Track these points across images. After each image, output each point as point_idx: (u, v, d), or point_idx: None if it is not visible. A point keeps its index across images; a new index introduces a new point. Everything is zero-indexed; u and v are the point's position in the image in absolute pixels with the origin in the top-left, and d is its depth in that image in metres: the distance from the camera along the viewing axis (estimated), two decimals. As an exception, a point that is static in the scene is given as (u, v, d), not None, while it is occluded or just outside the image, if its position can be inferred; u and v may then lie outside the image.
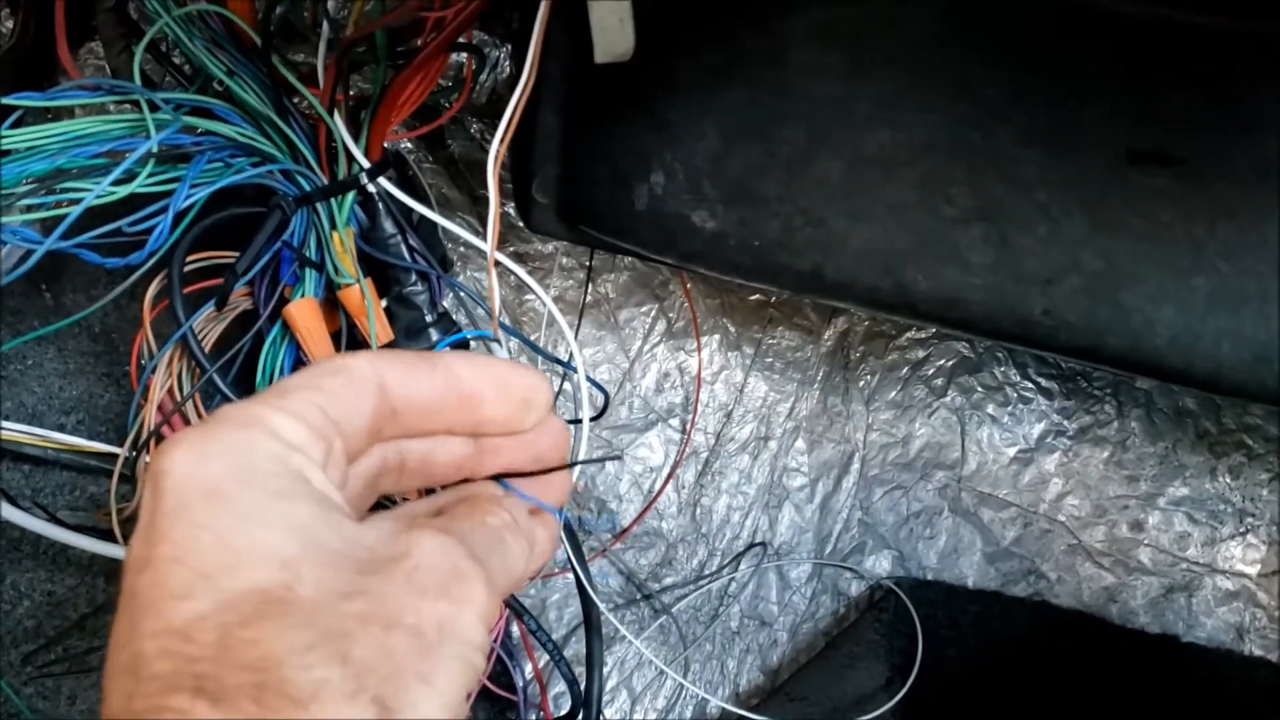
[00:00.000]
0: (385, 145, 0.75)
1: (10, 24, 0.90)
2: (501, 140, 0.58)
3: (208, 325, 0.76)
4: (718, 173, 0.69)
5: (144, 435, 0.74)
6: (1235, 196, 0.60)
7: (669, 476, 1.11)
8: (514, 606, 0.87)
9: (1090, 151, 0.61)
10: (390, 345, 0.73)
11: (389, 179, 0.72)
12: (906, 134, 0.64)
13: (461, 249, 1.05)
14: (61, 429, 0.83)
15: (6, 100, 0.69)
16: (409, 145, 1.06)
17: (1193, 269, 0.61)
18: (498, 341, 0.71)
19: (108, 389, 0.87)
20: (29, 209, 0.62)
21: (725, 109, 0.68)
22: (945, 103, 0.63)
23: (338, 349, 0.72)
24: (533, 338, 1.08)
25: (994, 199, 0.63)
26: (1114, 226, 0.62)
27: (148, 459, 0.74)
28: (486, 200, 1.08)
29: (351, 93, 0.76)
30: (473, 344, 0.76)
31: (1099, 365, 0.69)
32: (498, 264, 1.06)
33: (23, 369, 0.86)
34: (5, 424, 0.80)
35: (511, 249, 1.09)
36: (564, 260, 1.09)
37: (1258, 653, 1.06)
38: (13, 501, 0.72)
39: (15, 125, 0.64)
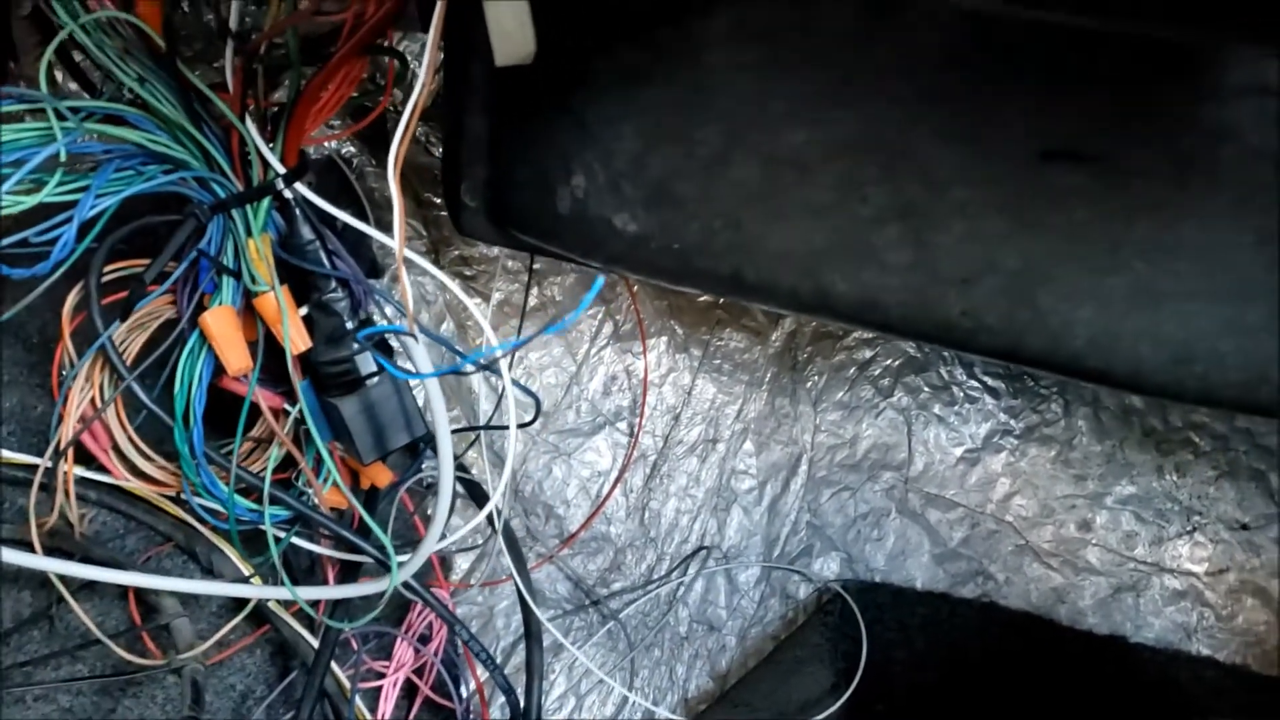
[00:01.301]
0: (308, 149, 0.74)
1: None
2: (400, 140, 0.57)
3: (130, 335, 0.75)
4: (637, 174, 0.68)
5: (62, 444, 0.73)
6: (1151, 195, 0.59)
7: (617, 480, 1.11)
8: (449, 619, 0.86)
9: (1004, 149, 0.60)
10: (309, 353, 0.72)
11: (307, 185, 0.71)
12: (822, 133, 0.63)
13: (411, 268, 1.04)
14: (-9, 441, 0.82)
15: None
16: (352, 149, 1.05)
17: (1110, 268, 0.61)
18: (413, 337, 0.70)
19: (41, 400, 0.86)
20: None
21: (643, 109, 0.67)
22: (860, 101, 0.62)
23: (255, 358, 0.71)
24: (477, 343, 1.07)
25: (910, 198, 0.62)
26: (1031, 225, 0.61)
27: (65, 469, 0.73)
28: (433, 205, 1.08)
29: (276, 97, 0.75)
30: (390, 339, 0.75)
31: (1021, 366, 0.69)
32: (439, 268, 1.05)
33: (-44, 380, 0.85)
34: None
35: (455, 252, 1.08)
36: (508, 263, 1.08)
37: (1205, 652, 1.06)
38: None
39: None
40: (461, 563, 1.07)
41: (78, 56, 0.74)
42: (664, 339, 1.11)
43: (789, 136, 0.64)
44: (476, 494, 0.98)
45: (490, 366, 0.73)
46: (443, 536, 0.75)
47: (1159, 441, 1.09)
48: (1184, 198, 0.58)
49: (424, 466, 0.91)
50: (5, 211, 0.62)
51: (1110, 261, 0.61)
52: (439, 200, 1.05)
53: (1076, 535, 1.09)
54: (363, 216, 1.00)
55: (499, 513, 0.90)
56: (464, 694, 0.96)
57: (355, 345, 0.72)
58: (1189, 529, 1.08)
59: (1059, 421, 1.10)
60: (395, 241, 0.61)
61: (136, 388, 0.70)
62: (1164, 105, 0.57)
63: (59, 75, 0.80)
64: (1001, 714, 1.02)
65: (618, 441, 1.11)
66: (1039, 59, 0.58)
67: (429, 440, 0.79)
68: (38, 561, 0.73)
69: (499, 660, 1.04)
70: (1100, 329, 0.62)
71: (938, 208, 0.62)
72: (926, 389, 1.11)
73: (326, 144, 1.03)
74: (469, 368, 0.70)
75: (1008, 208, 0.61)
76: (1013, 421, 1.10)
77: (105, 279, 0.69)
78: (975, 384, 1.11)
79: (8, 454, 0.80)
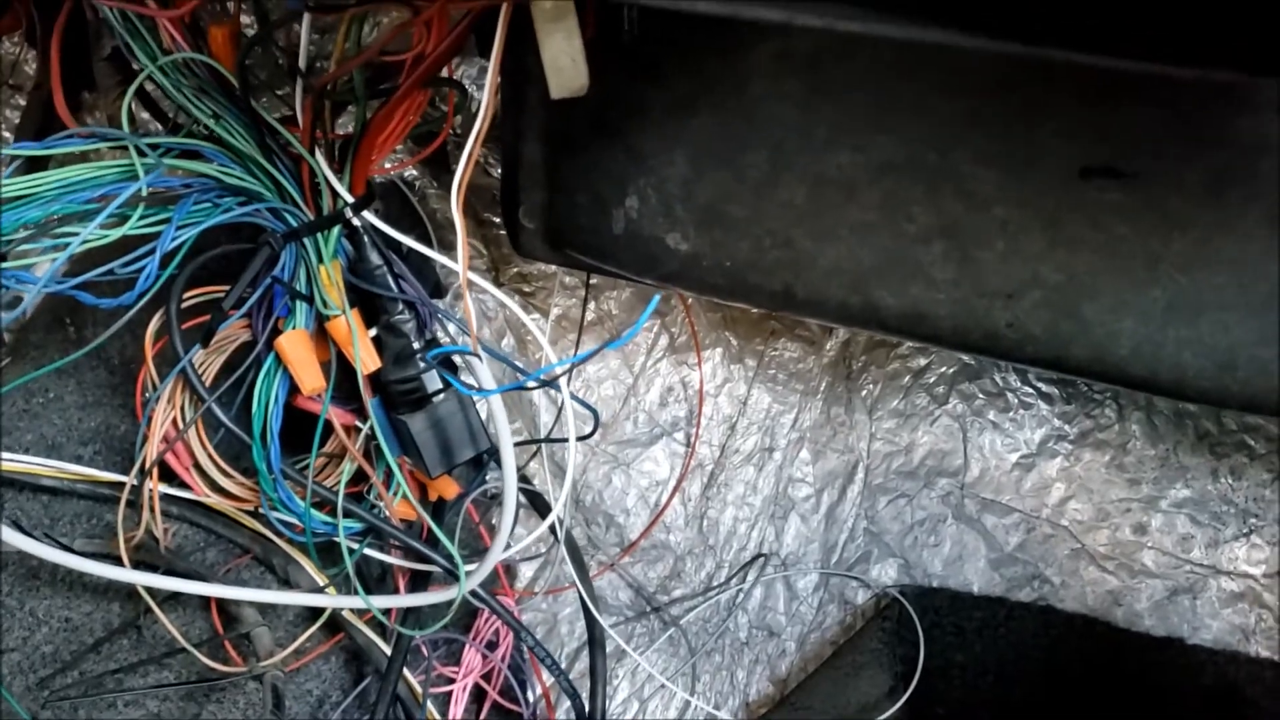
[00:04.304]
0: (374, 178, 0.77)
1: (34, 66, 0.94)
2: (463, 170, 0.61)
3: (209, 358, 0.79)
4: (688, 197, 0.71)
5: (148, 464, 0.76)
6: (1188, 210, 0.61)
7: (675, 490, 1.13)
8: (515, 626, 0.89)
9: (1043, 168, 0.62)
10: (378, 372, 0.75)
11: (374, 212, 0.74)
12: (865, 156, 0.65)
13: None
14: (79, 460, 0.86)
15: (6, 150, 0.72)
16: (414, 172, 1.08)
17: (1150, 281, 0.62)
18: (477, 357, 0.73)
19: (124, 420, 0.90)
20: (27, 254, 0.65)
21: (693, 136, 0.70)
22: (901, 125, 0.64)
23: (328, 378, 0.74)
24: (535, 358, 1.10)
25: (953, 216, 0.65)
26: (1071, 241, 0.63)
27: (150, 486, 0.77)
28: (492, 224, 1.11)
29: (342, 128, 0.79)
30: (455, 357, 0.78)
31: (1068, 375, 0.70)
32: (499, 286, 1.08)
33: (44, 402, 0.89)
34: (23, 457, 0.83)
35: (515, 270, 1.11)
36: (566, 279, 1.11)
37: (1264, 654, 1.06)
38: (26, 532, 0.75)
39: (16, 174, 0.67)
40: (526, 571, 1.10)
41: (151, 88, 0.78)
42: (719, 350, 1.13)
43: (834, 159, 0.66)
44: (539, 504, 1.01)
45: (551, 383, 0.75)
46: (508, 546, 0.78)
47: (1213, 445, 1.09)
48: (1220, 212, 0.60)
49: (488, 479, 0.94)
50: (93, 245, 0.66)
51: (1150, 275, 0.62)
52: (498, 220, 1.08)
53: (1132, 539, 1.10)
54: (425, 238, 1.03)
55: (561, 523, 0.93)
56: (530, 699, 0.99)
57: (422, 364, 0.75)
58: (1245, 531, 1.09)
59: (1113, 426, 1.10)
60: (460, 265, 0.64)
61: (216, 409, 0.74)
62: (1199, 121, 0.59)
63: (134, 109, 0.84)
64: (1060, 716, 1.03)
65: (675, 451, 1.14)
66: (1075, 79, 0.60)
67: (493, 453, 0.82)
68: (126, 575, 0.77)
69: (564, 666, 1.07)
70: (1143, 339, 0.64)
71: (980, 225, 0.64)
72: (981, 396, 1.13)
73: (388, 168, 1.07)
74: (531, 384, 0.73)
75: (1048, 224, 0.63)
76: (1067, 427, 1.11)
77: (184, 305, 0.73)
78: (1029, 390, 1.12)
79: (96, 472, 0.84)
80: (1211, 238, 0.61)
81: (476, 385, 0.75)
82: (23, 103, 0.97)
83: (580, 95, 0.59)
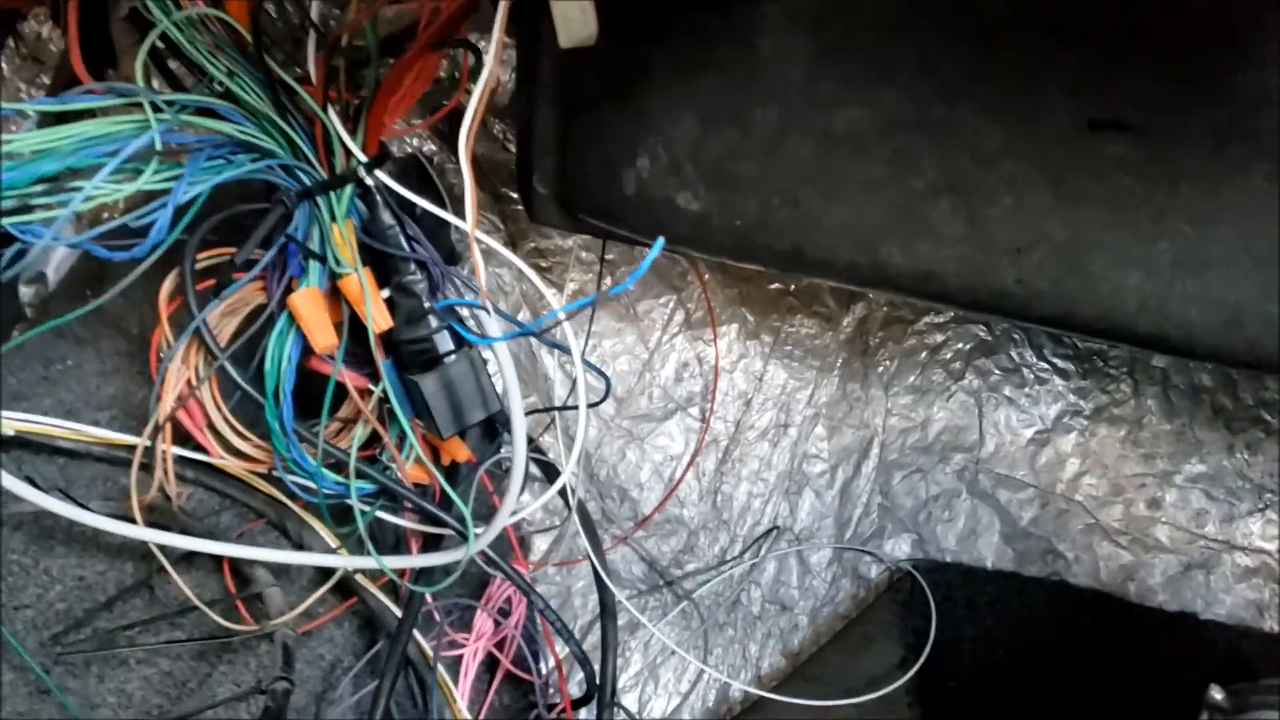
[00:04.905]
0: (388, 140, 0.78)
1: (59, 44, 0.96)
2: (472, 115, 0.61)
3: (223, 320, 0.79)
4: (697, 156, 0.71)
5: (160, 421, 0.77)
6: (1194, 162, 0.61)
7: (689, 464, 1.13)
8: (525, 588, 0.89)
9: (1049, 122, 0.62)
10: (390, 330, 0.76)
11: (388, 172, 0.75)
12: (873, 111, 0.65)
13: (482, 248, 1.08)
14: (96, 424, 0.87)
15: (22, 106, 0.73)
16: (434, 147, 1.09)
17: (1157, 234, 0.62)
18: (485, 310, 0.73)
19: (141, 387, 0.91)
20: (40, 208, 0.66)
21: (701, 95, 0.70)
22: (908, 80, 0.64)
23: (340, 338, 0.75)
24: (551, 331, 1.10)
25: (960, 172, 0.65)
26: (1077, 195, 0.63)
27: (163, 446, 0.77)
28: (509, 199, 1.12)
29: (362, 92, 0.79)
30: (464, 312, 0.78)
31: (1075, 333, 0.70)
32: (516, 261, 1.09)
33: (63, 369, 0.90)
34: (38, 417, 0.84)
35: (531, 245, 1.11)
36: (582, 254, 1.11)
37: (1278, 629, 1.06)
38: (40, 489, 0.76)
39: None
40: (540, 544, 1.10)
41: (171, 63, 0.78)
42: (735, 326, 1.14)
43: (841, 116, 0.66)
44: (551, 475, 1.02)
45: (556, 342, 0.76)
46: (515, 513, 0.78)
47: (1229, 420, 1.09)
48: (1226, 164, 0.60)
49: (502, 450, 0.95)
50: (105, 199, 0.67)
51: (1156, 228, 0.62)
52: (515, 195, 1.09)
53: (1146, 514, 1.10)
54: (442, 208, 1.04)
55: (572, 491, 0.93)
56: (543, 669, 1.00)
57: (434, 323, 0.76)
58: (1261, 506, 1.08)
59: (1128, 401, 1.10)
60: (467, 208, 0.65)
61: (229, 366, 0.75)
62: (1205, 73, 0.59)
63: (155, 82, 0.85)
64: (1071, 689, 1.02)
65: (690, 427, 1.14)
66: (1081, 30, 0.60)
67: (505, 420, 0.82)
68: (137, 531, 0.77)
69: (578, 637, 1.07)
70: (1150, 294, 0.64)
71: (988, 180, 0.65)
72: (997, 371, 1.13)
73: (410, 141, 1.08)
74: (535, 331, 0.73)
75: (1055, 178, 0.63)
76: (1082, 402, 1.11)
77: (199, 266, 0.74)
78: (1045, 366, 1.12)
79: (112, 434, 0.85)
80: (1218, 190, 0.61)
81: (479, 333, 0.75)
82: (48, 81, 0.98)
83: (589, 44, 0.59)
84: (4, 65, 0.98)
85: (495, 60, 0.60)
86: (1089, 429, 1.11)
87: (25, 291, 0.90)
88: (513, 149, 1.08)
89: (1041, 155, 0.63)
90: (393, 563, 0.82)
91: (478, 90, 0.61)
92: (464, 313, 0.80)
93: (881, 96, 0.65)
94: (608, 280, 1.10)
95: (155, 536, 0.77)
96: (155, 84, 0.88)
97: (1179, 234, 0.62)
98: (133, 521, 0.78)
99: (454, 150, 1.09)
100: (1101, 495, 1.11)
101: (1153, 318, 0.64)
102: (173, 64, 0.77)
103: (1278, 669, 1.00)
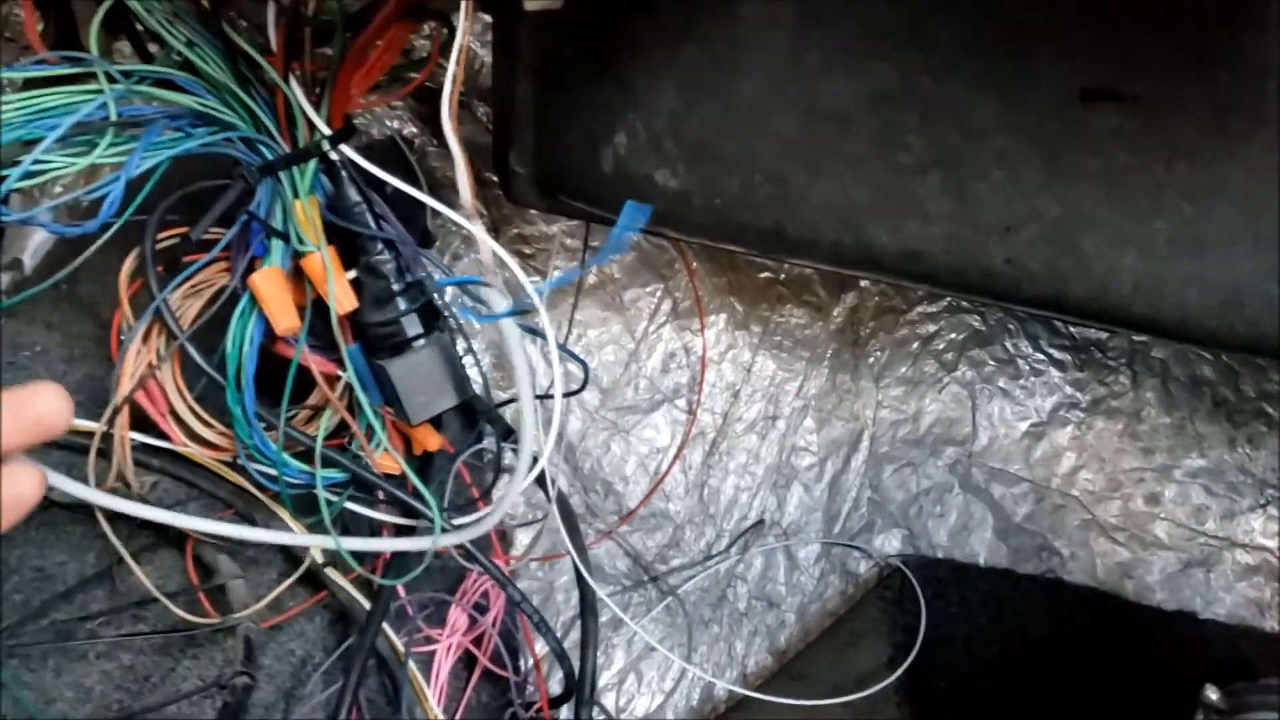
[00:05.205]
0: (353, 114, 0.75)
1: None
2: (449, 96, 0.58)
3: (185, 301, 0.76)
4: (677, 131, 0.69)
5: (118, 403, 0.74)
6: (1192, 136, 0.58)
7: (675, 457, 1.11)
8: (501, 579, 0.87)
9: (1042, 93, 0.59)
10: (356, 313, 0.73)
11: (355, 148, 0.72)
12: (859, 84, 0.63)
13: (466, 235, 1.05)
14: (61, 411, 0.84)
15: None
16: (414, 130, 1.06)
17: (1153, 212, 0.60)
18: (485, 285, 0.70)
19: (108, 372, 0.88)
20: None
21: (682, 66, 0.67)
22: (895, 51, 0.62)
23: (303, 320, 0.72)
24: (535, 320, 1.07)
25: (949, 146, 0.62)
26: (1070, 170, 0.60)
27: (121, 431, 0.74)
28: (492, 184, 1.09)
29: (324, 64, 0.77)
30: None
31: (1067, 317, 0.67)
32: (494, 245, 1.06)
33: (31, 355, 0.88)
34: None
35: (514, 231, 1.09)
36: (566, 241, 1.08)
37: (1278, 628, 1.03)
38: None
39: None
40: (522, 538, 1.07)
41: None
42: (723, 316, 1.11)
43: (827, 88, 0.64)
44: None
45: (532, 327, 0.73)
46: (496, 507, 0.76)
47: (1230, 413, 1.06)
48: (1227, 136, 0.57)
49: (483, 440, 0.92)
50: (58, 174, 0.64)
51: (1152, 205, 0.60)
52: (498, 180, 1.06)
53: (1144, 510, 1.07)
54: (416, 187, 1.01)
55: (552, 482, 0.90)
56: (522, 667, 0.97)
57: (403, 305, 0.73)
58: (1262, 502, 1.05)
59: (1127, 394, 1.07)
60: (460, 179, 0.62)
61: (189, 347, 0.72)
62: (1205, 39, 0.56)
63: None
64: (1066, 690, 1.00)
65: (676, 419, 1.11)
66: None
67: (485, 413, 0.79)
68: (88, 493, 0.72)
69: (559, 634, 1.04)
70: (1145, 274, 0.61)
71: (977, 155, 0.62)
72: (991, 362, 1.10)
73: (389, 124, 1.05)
74: (517, 311, 0.70)
75: (1048, 153, 0.61)
76: (1079, 394, 1.08)
77: (160, 246, 0.71)
78: (1041, 356, 1.09)
79: (75, 422, 0.82)
80: (1217, 164, 0.58)
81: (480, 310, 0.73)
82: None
83: (555, 7, 0.56)
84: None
85: (465, 29, 0.57)
86: (1086, 422, 1.08)
87: (2, 278, 0.88)
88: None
89: (1033, 127, 0.60)
90: (351, 544, 0.79)
91: (452, 60, 0.58)
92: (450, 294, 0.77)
93: (868, 67, 0.62)
94: (595, 269, 1.07)
95: (104, 500, 0.72)
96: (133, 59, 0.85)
97: (1176, 211, 0.59)
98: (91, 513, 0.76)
99: (436, 133, 1.07)
100: (1098, 490, 1.08)
101: (1148, 299, 0.62)
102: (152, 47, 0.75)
103: (1278, 669, 0.98)
